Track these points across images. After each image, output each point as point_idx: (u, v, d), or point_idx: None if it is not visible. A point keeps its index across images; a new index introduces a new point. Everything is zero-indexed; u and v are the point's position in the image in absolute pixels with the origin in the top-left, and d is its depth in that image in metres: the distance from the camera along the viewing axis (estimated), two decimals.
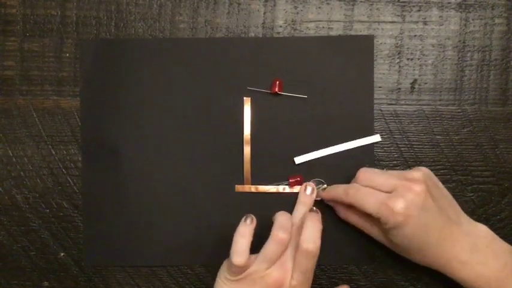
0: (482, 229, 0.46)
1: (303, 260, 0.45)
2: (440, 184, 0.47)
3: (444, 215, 0.45)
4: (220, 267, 0.48)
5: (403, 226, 0.44)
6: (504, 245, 0.46)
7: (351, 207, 0.48)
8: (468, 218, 0.47)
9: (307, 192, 0.50)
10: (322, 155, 0.52)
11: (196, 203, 0.53)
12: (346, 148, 0.52)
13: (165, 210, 0.53)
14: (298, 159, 0.52)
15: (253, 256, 0.46)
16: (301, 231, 0.46)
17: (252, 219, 0.47)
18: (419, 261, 0.47)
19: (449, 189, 0.47)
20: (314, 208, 0.49)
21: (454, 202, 0.47)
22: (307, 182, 0.51)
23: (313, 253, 0.45)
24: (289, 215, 0.48)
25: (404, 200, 0.43)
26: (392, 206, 0.43)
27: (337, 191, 0.49)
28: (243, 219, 0.47)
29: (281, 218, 0.47)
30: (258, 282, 0.46)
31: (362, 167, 0.49)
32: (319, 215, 0.48)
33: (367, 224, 0.48)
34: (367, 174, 0.47)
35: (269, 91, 0.52)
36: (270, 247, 0.46)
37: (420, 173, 0.45)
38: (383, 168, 0.52)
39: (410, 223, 0.43)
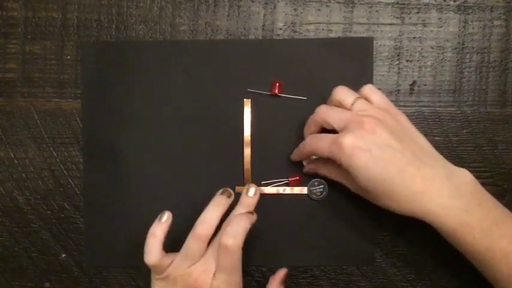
0: (465, 175, 0.44)
1: (222, 257, 0.43)
2: (406, 124, 0.46)
3: (408, 153, 0.43)
4: None
5: (354, 159, 0.42)
6: (486, 193, 0.44)
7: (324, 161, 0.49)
8: (448, 163, 0.45)
9: (250, 194, 0.48)
10: None
11: (196, 204, 0.53)
12: None
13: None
14: None
15: (173, 254, 0.46)
16: None
17: (168, 216, 0.46)
18: (397, 210, 0.43)
19: None
20: (253, 212, 0.47)
21: (427, 146, 0.45)
22: (251, 183, 0.49)
23: (232, 250, 0.43)
24: (216, 213, 0.46)
25: (352, 134, 0.42)
26: (340, 142, 0.42)
27: (297, 149, 0.50)
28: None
29: (205, 214, 0.46)
30: (179, 281, 0.45)
31: None
32: (253, 216, 0.46)
33: (345, 176, 0.47)
34: (323, 110, 0.46)
35: (269, 93, 0.52)
36: (189, 243, 0.45)
37: (373, 109, 0.45)
38: None
39: (361, 156, 0.42)
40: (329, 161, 0.45)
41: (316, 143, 0.46)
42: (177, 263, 0.45)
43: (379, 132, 0.43)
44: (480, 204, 0.43)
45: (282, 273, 0.51)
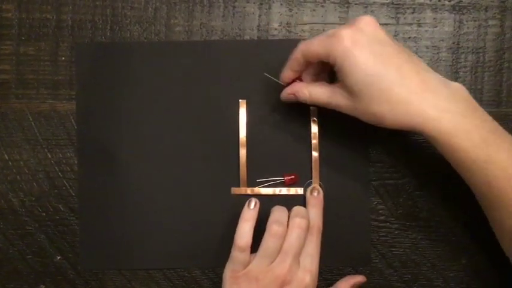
0: (460, 86, 0.43)
1: (310, 239, 0.47)
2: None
3: (405, 54, 0.42)
4: (224, 271, 0.47)
5: (353, 54, 0.41)
6: (478, 106, 0.43)
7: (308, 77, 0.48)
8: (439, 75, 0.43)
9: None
10: None
11: (192, 205, 0.53)
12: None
13: (161, 213, 0.53)
14: None
15: (253, 255, 0.47)
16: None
17: (256, 202, 0.48)
18: (390, 115, 0.42)
19: (446, 190, 0.47)
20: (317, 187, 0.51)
21: (417, 58, 0.44)
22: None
23: (319, 231, 0.48)
24: (284, 209, 0.49)
25: (351, 28, 0.42)
26: (339, 34, 0.41)
27: (286, 65, 0.47)
28: (246, 204, 0.48)
29: (276, 212, 0.48)
30: (261, 279, 0.45)
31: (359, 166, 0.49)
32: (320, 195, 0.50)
33: (330, 92, 0.45)
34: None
35: (282, 82, 0.49)
36: (266, 242, 0.46)
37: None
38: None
39: (361, 50, 0.41)
40: (312, 80, 0.46)
41: (309, 43, 0.44)
42: (258, 261, 0.46)
43: (378, 29, 0.42)
44: (475, 111, 0.42)
45: (359, 278, 0.51)
